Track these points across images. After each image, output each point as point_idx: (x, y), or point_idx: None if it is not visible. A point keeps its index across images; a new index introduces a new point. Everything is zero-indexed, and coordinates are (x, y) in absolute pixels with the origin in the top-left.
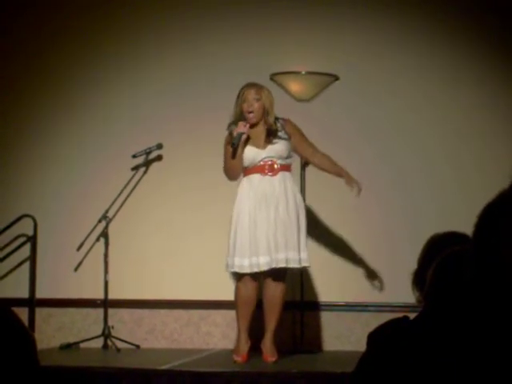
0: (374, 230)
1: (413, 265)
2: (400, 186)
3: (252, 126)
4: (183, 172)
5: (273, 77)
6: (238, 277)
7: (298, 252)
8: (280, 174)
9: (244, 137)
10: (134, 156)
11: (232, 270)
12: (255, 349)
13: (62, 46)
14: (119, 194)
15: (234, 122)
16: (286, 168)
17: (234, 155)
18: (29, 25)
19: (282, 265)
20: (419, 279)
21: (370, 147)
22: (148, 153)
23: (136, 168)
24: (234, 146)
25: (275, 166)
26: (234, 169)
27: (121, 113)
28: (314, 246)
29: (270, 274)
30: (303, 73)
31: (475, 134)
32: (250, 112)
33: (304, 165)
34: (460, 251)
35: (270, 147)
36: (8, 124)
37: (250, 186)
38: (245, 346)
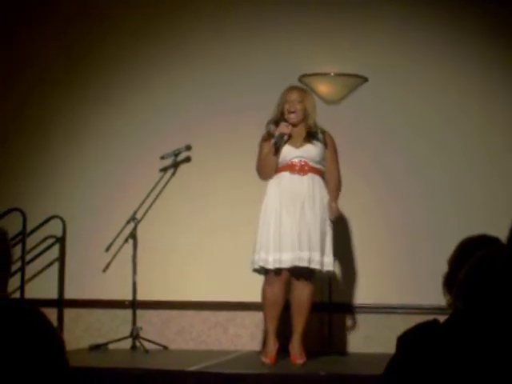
0: (403, 232)
1: (441, 266)
2: (425, 189)
3: (292, 126)
4: (211, 173)
5: (301, 78)
6: (265, 278)
7: (322, 255)
8: (309, 175)
9: (286, 137)
10: (163, 157)
11: (257, 266)
12: (283, 350)
13: (91, 47)
14: (147, 196)
15: (273, 122)
16: (316, 171)
17: (276, 153)
18: (56, 30)
19: (305, 264)
20: (451, 281)
21: (397, 150)
22: (176, 154)
23: (164, 169)
24: (276, 146)
25: (306, 166)
26: (270, 167)
27: (149, 114)
28: (342, 248)
29: (297, 276)
30: (332, 74)
31: (502, 146)
32: (292, 112)
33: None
34: (491, 253)
35: (304, 148)
36: (37, 127)
37: (279, 184)
38: (273, 348)
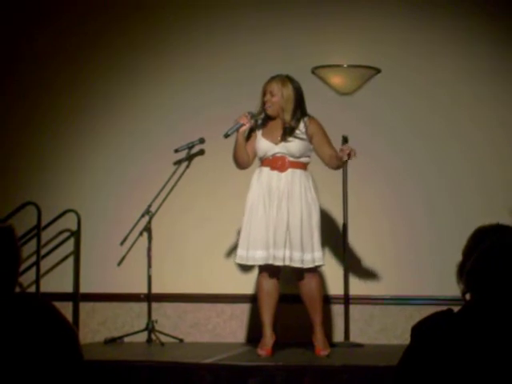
0: (420, 224)
1: (457, 257)
2: (446, 176)
3: (270, 118)
4: (225, 166)
5: (314, 70)
6: (259, 271)
7: (307, 252)
8: (289, 171)
9: (243, 128)
10: (177, 150)
11: (235, 261)
12: (307, 343)
13: (108, 43)
14: (162, 189)
15: (258, 113)
16: (297, 165)
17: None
18: (70, 27)
19: (279, 263)
20: (464, 271)
21: (414, 141)
22: (190, 147)
23: (178, 162)
24: (225, 136)
25: (285, 162)
26: (238, 158)
27: (163, 108)
28: (358, 240)
29: (300, 271)
30: (345, 66)
31: (509, 148)
32: (267, 103)
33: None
34: (498, 242)
35: (283, 144)
36: (52, 121)
37: (259, 178)
38: (270, 340)
